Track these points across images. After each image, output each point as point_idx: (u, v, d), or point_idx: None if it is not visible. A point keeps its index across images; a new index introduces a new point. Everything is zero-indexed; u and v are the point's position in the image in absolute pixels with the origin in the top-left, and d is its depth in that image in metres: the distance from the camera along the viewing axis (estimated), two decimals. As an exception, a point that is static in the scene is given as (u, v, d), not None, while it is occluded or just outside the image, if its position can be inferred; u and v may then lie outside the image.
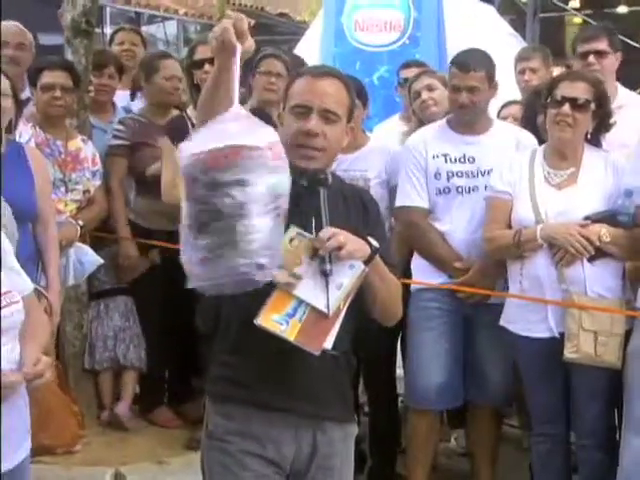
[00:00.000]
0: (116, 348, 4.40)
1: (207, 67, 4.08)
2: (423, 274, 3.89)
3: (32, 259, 3.65)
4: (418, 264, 3.93)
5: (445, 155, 3.84)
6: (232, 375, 2.34)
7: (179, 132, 4.10)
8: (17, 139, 3.92)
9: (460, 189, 3.81)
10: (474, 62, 3.79)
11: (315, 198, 2.27)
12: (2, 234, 2.55)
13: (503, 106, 4.71)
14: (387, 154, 4.14)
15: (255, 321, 2.16)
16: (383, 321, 2.48)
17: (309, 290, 2.17)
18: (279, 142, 1.99)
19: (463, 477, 4.19)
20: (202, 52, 4.21)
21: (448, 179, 3.82)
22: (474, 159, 3.81)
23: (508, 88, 5.01)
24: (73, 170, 4.20)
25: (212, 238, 1.92)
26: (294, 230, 2.18)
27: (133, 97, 4.92)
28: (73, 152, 4.21)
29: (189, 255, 1.95)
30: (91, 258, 4.12)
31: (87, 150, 4.26)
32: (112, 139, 4.48)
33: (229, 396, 2.35)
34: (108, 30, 10.51)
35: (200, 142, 1.94)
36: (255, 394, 2.30)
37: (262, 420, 2.32)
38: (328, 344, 2.22)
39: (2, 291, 2.37)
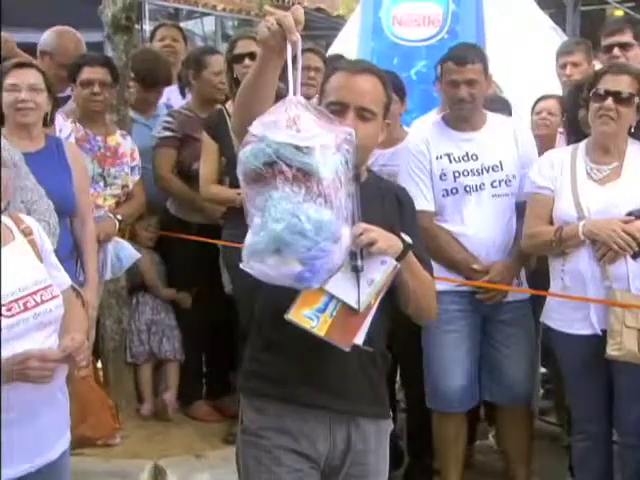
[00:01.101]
0: (150, 341, 4.44)
1: (247, 61, 4.08)
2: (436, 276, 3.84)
3: (70, 254, 3.68)
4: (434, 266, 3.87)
5: (448, 155, 3.78)
6: (265, 371, 2.35)
7: (218, 126, 4.13)
8: (57, 134, 3.96)
9: (468, 188, 3.76)
10: (471, 55, 3.74)
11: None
12: (42, 231, 2.58)
13: (538, 100, 4.65)
14: (425, 149, 4.11)
15: (285, 316, 2.16)
16: (417, 319, 2.47)
17: (340, 285, 2.17)
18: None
19: (500, 474, 4.15)
20: (243, 46, 4.21)
21: (455, 179, 3.76)
22: (477, 156, 3.76)
23: (548, 82, 4.97)
24: (112, 165, 4.22)
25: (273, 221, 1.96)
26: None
27: (184, 93, 4.92)
28: (112, 147, 4.23)
29: (250, 244, 2.00)
30: (129, 253, 4.14)
31: (126, 145, 4.28)
32: (161, 130, 4.49)
33: (262, 392, 2.36)
34: (147, 26, 10.57)
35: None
36: (288, 391, 2.31)
37: (296, 416, 2.32)
38: (359, 340, 2.22)
39: (42, 286, 2.40)
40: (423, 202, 3.75)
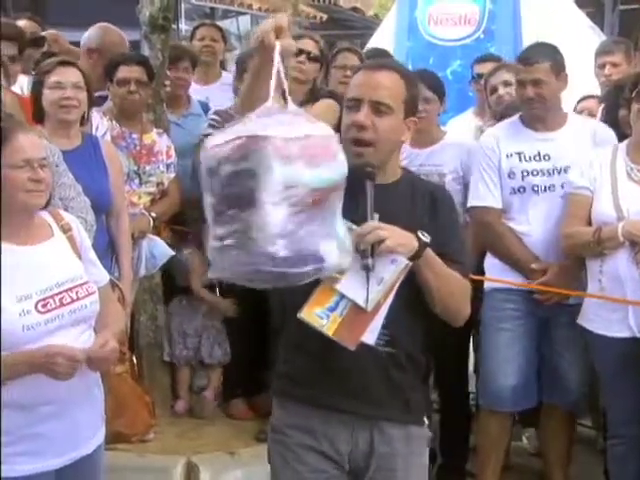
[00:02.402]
0: (200, 346, 4.39)
1: (302, 58, 4.21)
2: (497, 274, 3.82)
3: (106, 250, 3.71)
4: (492, 264, 3.87)
5: (519, 153, 3.75)
6: (292, 372, 2.38)
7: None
8: (93, 132, 4.00)
9: (536, 188, 3.73)
10: (537, 54, 3.71)
11: (376, 198, 2.25)
12: (81, 227, 2.61)
13: (579, 100, 4.61)
14: (463, 149, 4.10)
15: (298, 314, 2.17)
16: (447, 319, 2.40)
17: (351, 284, 2.17)
18: (317, 136, 1.99)
19: (534, 477, 4.12)
20: (305, 44, 4.28)
21: (523, 178, 3.74)
22: (549, 157, 3.72)
23: (586, 82, 4.91)
24: (147, 163, 4.25)
25: (226, 227, 1.94)
26: (345, 223, 2.13)
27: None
28: (148, 145, 4.26)
29: (209, 245, 1.99)
30: (162, 250, 4.16)
31: (162, 143, 4.30)
32: (207, 128, 4.48)
33: (289, 393, 2.40)
34: (183, 25, 10.64)
35: (222, 135, 1.97)
36: (312, 392, 2.32)
37: (320, 418, 2.34)
38: (369, 339, 2.21)
39: (79, 282, 2.42)
40: (490, 199, 3.76)
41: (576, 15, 6.38)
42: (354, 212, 2.19)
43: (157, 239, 4.20)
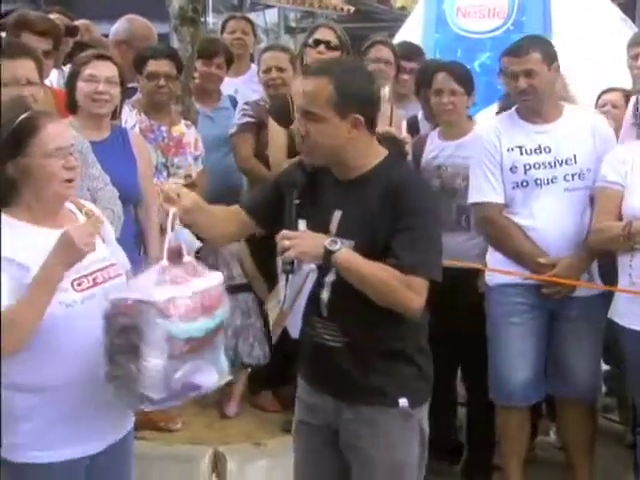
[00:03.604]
0: (237, 347, 4.32)
1: (322, 48, 4.23)
2: (502, 268, 3.79)
3: (134, 240, 3.74)
4: (495, 258, 3.83)
5: (520, 147, 3.71)
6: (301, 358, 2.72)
7: (282, 112, 4.17)
8: (122, 124, 4.02)
9: (539, 181, 3.68)
10: (527, 45, 3.67)
11: (333, 193, 2.51)
12: (103, 214, 2.65)
13: (602, 92, 4.56)
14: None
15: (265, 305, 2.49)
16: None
17: (289, 286, 2.52)
18: (206, 291, 2.32)
19: (561, 471, 4.09)
20: (322, 34, 4.33)
21: (525, 172, 3.69)
22: (550, 149, 3.68)
23: (618, 74, 4.87)
24: (176, 154, 4.26)
25: (115, 368, 2.28)
26: (302, 225, 2.47)
27: None
28: (176, 137, 4.27)
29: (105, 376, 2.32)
30: (190, 241, 4.16)
31: (190, 135, 4.32)
32: (241, 117, 4.50)
33: (300, 373, 2.76)
34: (211, 19, 10.67)
35: (121, 291, 2.32)
36: (306, 374, 2.71)
37: (307, 390, 2.70)
38: (293, 333, 2.62)
39: (108, 263, 2.47)
40: (492, 194, 3.71)
41: (607, 7, 6.33)
42: (315, 213, 2.49)
43: (185, 230, 4.21)
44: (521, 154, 3.70)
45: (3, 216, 2.39)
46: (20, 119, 2.37)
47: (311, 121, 2.44)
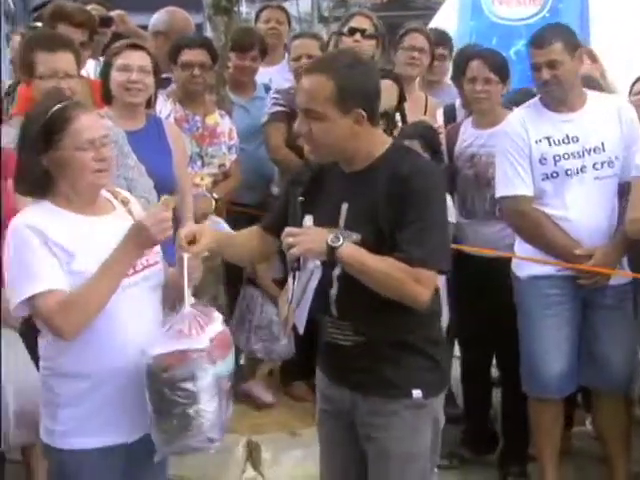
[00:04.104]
0: (271, 342, 4.37)
1: (358, 36, 4.24)
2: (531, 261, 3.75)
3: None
4: (525, 250, 3.78)
5: (548, 138, 3.66)
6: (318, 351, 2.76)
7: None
8: (157, 114, 4.04)
9: (569, 172, 3.63)
10: (549, 35, 3.62)
11: (340, 185, 2.52)
12: (137, 202, 2.67)
13: (636, 81, 4.49)
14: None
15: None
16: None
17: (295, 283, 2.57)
18: (222, 331, 2.44)
19: (598, 462, 4.06)
20: (357, 22, 4.33)
21: (555, 163, 3.64)
22: (577, 138, 3.63)
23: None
24: (210, 144, 4.28)
25: (167, 421, 2.35)
26: (309, 220, 2.50)
27: None
28: (210, 126, 4.29)
29: (155, 438, 2.41)
30: (225, 231, 4.19)
31: (224, 125, 4.33)
32: (272, 106, 4.50)
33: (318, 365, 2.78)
34: (244, 8, 10.66)
35: (159, 345, 2.35)
36: (323, 367, 2.73)
37: (325, 381, 2.72)
38: (299, 329, 2.66)
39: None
40: (521, 186, 3.67)
41: (646, -8, 6.22)
42: (322, 206, 2.51)
43: (220, 220, 4.24)
44: (549, 145, 3.66)
45: (47, 203, 2.42)
46: (53, 111, 2.39)
47: (313, 119, 2.43)
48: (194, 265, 2.51)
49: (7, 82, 4.32)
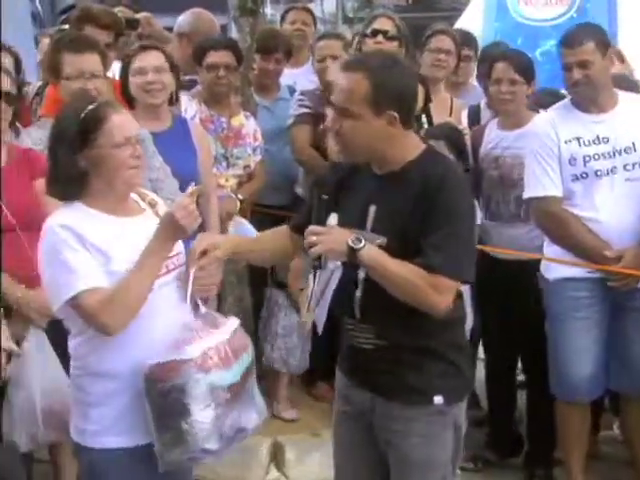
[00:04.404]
0: (287, 352, 4.32)
1: (380, 38, 4.23)
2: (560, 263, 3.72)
3: (194, 231, 3.75)
4: (554, 251, 3.75)
5: (578, 138, 3.62)
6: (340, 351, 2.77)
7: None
8: (182, 115, 4.06)
9: (599, 173, 3.60)
10: (580, 35, 3.59)
11: (369, 187, 2.50)
12: (163, 204, 2.68)
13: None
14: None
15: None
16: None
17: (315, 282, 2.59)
18: (227, 340, 2.42)
19: (625, 466, 4.03)
20: (379, 23, 4.35)
21: (585, 164, 3.61)
22: (608, 139, 3.59)
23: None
24: (235, 145, 4.29)
25: (164, 433, 2.35)
26: (333, 219, 2.47)
27: None
28: (235, 128, 4.30)
29: (155, 449, 2.40)
30: (250, 232, 4.19)
31: (249, 126, 4.34)
32: (297, 108, 4.50)
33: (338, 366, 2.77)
34: (269, 10, 10.68)
35: (157, 353, 2.35)
36: (344, 368, 2.71)
37: (344, 382, 2.71)
38: (319, 329, 2.73)
39: (176, 251, 2.53)
40: (551, 188, 3.64)
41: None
42: (349, 206, 2.50)
43: (244, 221, 4.24)
44: (579, 146, 3.63)
45: (79, 205, 2.45)
46: (86, 112, 2.41)
47: (346, 118, 2.41)
48: (212, 271, 2.55)
49: (37, 84, 4.35)
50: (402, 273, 2.35)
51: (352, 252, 2.34)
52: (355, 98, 2.38)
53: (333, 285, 2.54)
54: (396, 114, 2.40)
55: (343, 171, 2.61)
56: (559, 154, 3.64)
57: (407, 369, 2.51)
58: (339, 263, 2.49)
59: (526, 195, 3.76)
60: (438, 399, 2.51)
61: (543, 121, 3.78)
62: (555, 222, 3.69)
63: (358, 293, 2.51)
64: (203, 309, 2.51)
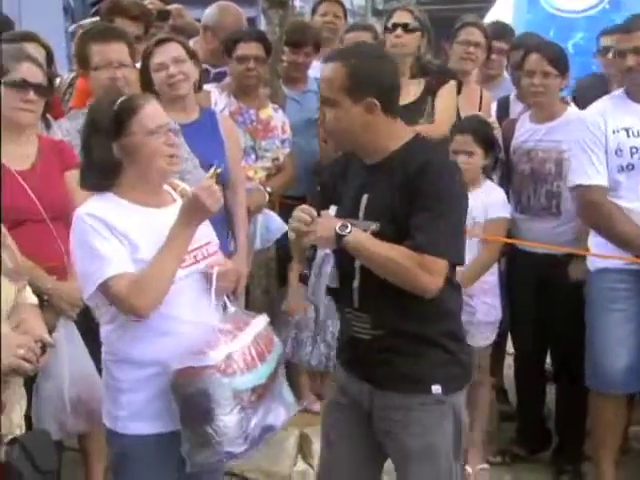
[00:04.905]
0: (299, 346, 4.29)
1: (399, 31, 4.21)
2: (605, 253, 3.67)
3: (222, 223, 3.76)
4: (598, 242, 3.71)
5: (627, 129, 3.58)
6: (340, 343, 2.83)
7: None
8: (212, 107, 4.06)
9: None
10: (637, 22, 3.54)
11: (361, 177, 2.55)
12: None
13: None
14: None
15: None
16: None
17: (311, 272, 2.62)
18: (252, 342, 2.43)
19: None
20: (398, 17, 4.30)
21: (632, 155, 3.56)
22: None
23: None
24: (263, 138, 4.28)
25: (190, 433, 2.39)
26: (332, 210, 2.53)
27: None
28: (264, 120, 4.30)
29: (182, 449, 2.43)
30: (278, 224, 4.20)
31: (278, 118, 4.34)
32: None
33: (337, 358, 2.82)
34: (297, 2, 10.65)
35: (178, 360, 2.38)
36: (343, 360, 2.74)
37: (347, 377, 2.70)
38: (319, 306, 2.82)
39: (206, 241, 2.56)
40: (596, 177, 3.60)
41: None
42: (346, 197, 2.55)
43: (272, 213, 4.25)
44: (627, 136, 3.58)
45: (110, 195, 2.48)
46: (120, 101, 2.45)
47: (328, 106, 2.48)
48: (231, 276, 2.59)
49: (70, 75, 4.37)
50: (390, 255, 2.40)
51: (339, 239, 2.41)
52: (334, 86, 2.45)
53: (327, 269, 2.56)
54: (376, 101, 2.44)
55: (340, 164, 2.68)
56: (606, 144, 3.60)
57: (404, 358, 2.54)
58: (329, 251, 2.52)
59: (570, 183, 3.73)
60: (436, 388, 2.54)
61: (593, 110, 3.74)
62: (598, 212, 3.64)
63: (356, 282, 2.54)
64: (232, 308, 2.54)
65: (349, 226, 2.41)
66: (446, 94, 4.20)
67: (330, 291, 2.62)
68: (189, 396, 2.35)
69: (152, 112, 2.47)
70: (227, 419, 2.34)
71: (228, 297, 2.61)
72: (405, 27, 4.19)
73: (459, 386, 2.63)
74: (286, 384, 2.61)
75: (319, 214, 2.47)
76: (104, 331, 2.55)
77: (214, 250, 2.59)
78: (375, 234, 2.44)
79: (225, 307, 2.57)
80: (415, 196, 2.41)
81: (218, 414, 2.34)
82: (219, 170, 2.50)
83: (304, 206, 2.47)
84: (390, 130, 2.52)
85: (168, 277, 2.41)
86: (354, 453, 2.70)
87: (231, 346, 2.39)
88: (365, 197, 2.53)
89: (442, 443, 2.58)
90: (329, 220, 2.46)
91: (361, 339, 2.58)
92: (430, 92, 4.21)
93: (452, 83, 4.22)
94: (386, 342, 2.54)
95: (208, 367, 2.34)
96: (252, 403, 2.40)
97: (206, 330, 2.42)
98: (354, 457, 2.70)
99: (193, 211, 2.43)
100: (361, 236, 2.42)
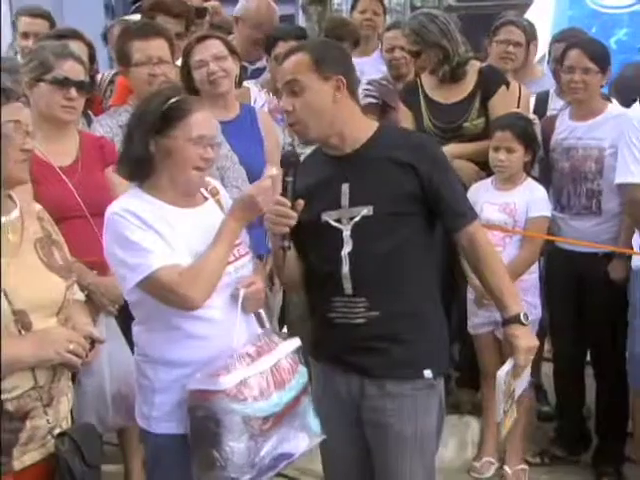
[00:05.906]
0: None
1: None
2: None
3: (260, 221, 3.77)
4: None
5: None
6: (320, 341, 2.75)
7: (410, 96, 4.17)
8: (252, 104, 4.07)
9: None
10: None
11: (332, 169, 2.58)
12: (225, 192, 2.70)
13: None
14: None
15: None
16: None
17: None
18: (269, 370, 2.38)
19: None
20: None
21: None
22: None
23: None
24: (302, 136, 4.28)
25: (197, 457, 2.37)
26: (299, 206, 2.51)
27: None
28: (302, 118, 4.29)
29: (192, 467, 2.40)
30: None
31: (315, 116, 4.32)
32: (363, 98, 4.48)
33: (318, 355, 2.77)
34: (336, -1, 10.65)
35: (193, 381, 2.38)
36: (325, 356, 2.70)
37: (327, 368, 2.70)
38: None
39: (237, 242, 2.53)
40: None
41: None
42: (324, 190, 2.57)
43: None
44: None
45: (141, 193, 2.47)
46: (172, 101, 2.44)
47: (296, 93, 2.50)
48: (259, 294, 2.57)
49: (112, 71, 4.41)
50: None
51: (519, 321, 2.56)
52: (300, 69, 2.50)
53: None
54: (343, 78, 2.51)
55: (297, 158, 2.65)
56: None
57: (397, 343, 2.55)
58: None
59: (616, 181, 3.69)
60: (427, 373, 2.58)
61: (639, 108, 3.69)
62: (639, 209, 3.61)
63: (345, 269, 2.53)
64: (267, 324, 2.56)
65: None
66: (501, 104, 4.09)
67: (307, 286, 2.68)
68: (199, 418, 2.34)
69: (199, 120, 2.44)
70: (234, 445, 2.31)
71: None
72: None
73: (445, 370, 2.76)
74: (312, 412, 2.52)
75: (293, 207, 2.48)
76: (136, 330, 2.55)
77: (245, 251, 2.57)
78: (367, 217, 2.50)
79: (260, 319, 2.57)
80: (427, 168, 2.50)
81: (226, 439, 2.31)
82: (275, 172, 2.50)
83: (280, 198, 2.48)
84: (355, 118, 2.58)
85: (220, 269, 2.41)
86: (345, 448, 2.71)
87: (247, 371, 2.36)
88: (345, 186, 2.55)
89: (431, 427, 2.63)
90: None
91: (351, 325, 2.56)
92: (479, 93, 4.13)
93: (504, 89, 4.14)
94: (381, 324, 2.54)
95: (219, 392, 2.31)
96: (264, 431, 2.35)
97: (230, 345, 2.40)
98: (347, 451, 2.72)
99: (246, 209, 2.46)
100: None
